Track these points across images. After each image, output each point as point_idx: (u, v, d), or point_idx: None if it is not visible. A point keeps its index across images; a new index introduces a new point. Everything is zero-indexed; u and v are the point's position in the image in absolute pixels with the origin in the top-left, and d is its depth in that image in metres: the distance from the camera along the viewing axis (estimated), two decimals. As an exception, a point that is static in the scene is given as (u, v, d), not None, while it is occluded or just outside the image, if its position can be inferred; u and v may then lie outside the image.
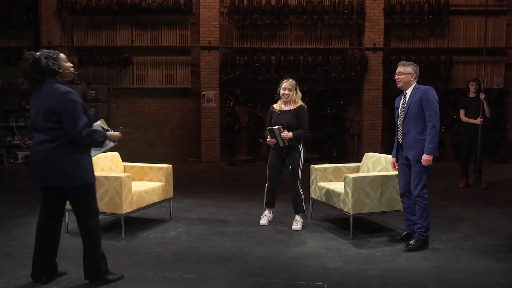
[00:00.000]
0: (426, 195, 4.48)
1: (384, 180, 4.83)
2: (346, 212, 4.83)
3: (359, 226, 5.14)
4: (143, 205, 5.08)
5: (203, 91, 10.71)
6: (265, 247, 4.57)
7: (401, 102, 4.64)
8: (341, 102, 10.94)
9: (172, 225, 5.38)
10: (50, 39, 10.64)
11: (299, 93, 5.37)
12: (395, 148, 4.73)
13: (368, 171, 5.41)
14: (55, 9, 10.60)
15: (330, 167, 5.69)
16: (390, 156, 5.24)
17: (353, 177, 4.72)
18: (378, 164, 5.34)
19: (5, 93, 10.98)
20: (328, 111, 10.88)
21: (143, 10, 10.60)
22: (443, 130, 10.97)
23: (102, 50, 10.81)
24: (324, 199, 5.31)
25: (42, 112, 3.39)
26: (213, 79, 10.66)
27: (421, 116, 4.43)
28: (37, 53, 3.44)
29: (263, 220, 5.42)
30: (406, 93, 4.59)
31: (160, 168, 5.57)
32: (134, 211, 4.95)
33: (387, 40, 10.89)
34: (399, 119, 4.63)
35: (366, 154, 5.76)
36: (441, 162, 10.91)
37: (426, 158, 4.37)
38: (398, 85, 4.63)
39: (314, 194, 5.57)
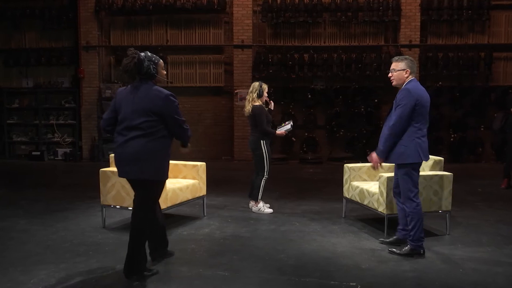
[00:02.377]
0: (415, 203, 4.16)
1: (421, 180, 4.69)
2: (381, 212, 4.75)
3: (393, 226, 5.04)
4: (177, 202, 5.16)
5: (236, 90, 10.76)
6: (298, 246, 4.55)
7: None
8: (376, 100, 10.76)
9: (205, 222, 5.44)
10: (88, 39, 10.95)
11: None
12: None
13: (404, 170, 5.29)
14: (93, 10, 10.89)
15: (364, 166, 5.60)
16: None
17: (388, 177, 4.64)
18: (414, 163, 5.22)
19: (46, 92, 11.39)
20: (362, 109, 10.72)
21: (178, 10, 10.76)
22: (482, 129, 10.64)
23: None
24: (357, 199, 5.24)
25: (139, 110, 3.54)
26: (246, 77, 10.70)
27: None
28: (142, 54, 3.67)
29: (271, 209, 5.90)
30: None
31: (194, 166, 5.64)
32: (168, 208, 5.02)
33: (424, 36, 10.62)
34: None
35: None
36: (480, 162, 10.59)
37: (374, 159, 4.22)
38: (393, 84, 4.27)
39: (347, 193, 5.51)
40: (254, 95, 5.78)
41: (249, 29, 10.68)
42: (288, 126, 5.93)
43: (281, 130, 5.92)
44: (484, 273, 3.85)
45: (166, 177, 3.74)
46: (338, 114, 10.87)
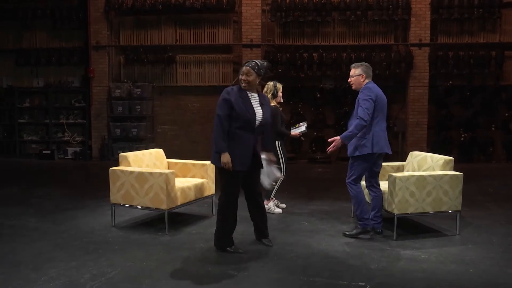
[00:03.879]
0: (356, 186, 4.67)
1: (430, 180, 4.69)
2: (390, 212, 4.72)
3: (403, 226, 5.02)
4: (186, 201, 5.17)
5: (245, 89, 10.74)
6: (307, 245, 4.54)
7: None
8: (385, 100, 10.69)
9: (214, 221, 5.34)
10: (98, 39, 11.01)
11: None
12: None
13: (413, 170, 5.26)
14: (103, 10, 10.94)
15: (373, 165, 5.56)
16: (437, 155, 5.13)
17: (397, 176, 4.62)
18: (423, 163, 5.19)
19: (56, 91, 11.47)
20: (372, 108, 10.65)
21: (187, 9, 10.77)
22: (493, 129, 10.53)
23: (147, 49, 11.09)
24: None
25: None
26: (255, 77, 10.67)
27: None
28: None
29: (280, 208, 5.91)
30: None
31: (203, 165, 5.66)
32: (177, 207, 5.04)
33: (434, 35, 10.53)
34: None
35: (411, 153, 5.61)
36: (491, 162, 10.48)
37: (336, 139, 4.54)
38: (352, 88, 4.79)
39: (356, 193, 5.47)
40: (269, 96, 5.70)
41: (258, 28, 10.67)
42: (302, 127, 5.93)
43: (295, 131, 5.91)
44: (495, 274, 3.81)
45: (235, 166, 4.11)
46: (347, 113, 10.80)
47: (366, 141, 4.57)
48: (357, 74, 4.71)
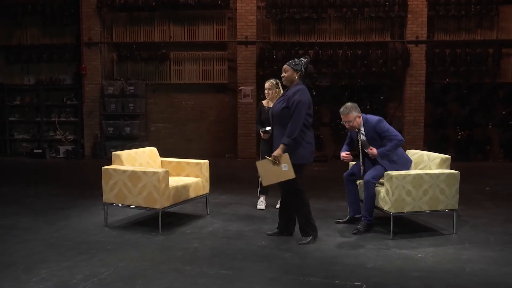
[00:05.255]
0: (375, 185, 4.84)
1: (427, 178, 4.64)
2: (387, 211, 4.67)
3: (399, 225, 4.98)
4: (180, 200, 5.10)
5: (240, 87, 10.69)
6: (303, 244, 4.47)
7: (357, 136, 5.04)
8: (382, 98, 10.66)
9: (208, 220, 5.38)
10: (90, 36, 10.90)
11: (281, 90, 5.65)
12: (347, 145, 5.20)
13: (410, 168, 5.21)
14: (95, 6, 10.83)
15: (369, 164, 5.51)
16: (433, 153, 5.09)
17: (394, 175, 4.57)
18: (420, 161, 5.14)
19: (47, 89, 11.35)
20: (368, 106, 10.59)
21: (181, 6, 10.68)
22: (490, 127, 10.52)
23: (140, 46, 10.99)
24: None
25: None
26: (250, 74, 10.62)
27: (379, 138, 4.91)
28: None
29: (262, 205, 5.90)
30: (359, 129, 4.99)
31: (197, 164, 5.58)
32: (171, 206, 4.97)
33: (431, 32, 10.49)
34: (360, 148, 5.05)
35: (407, 151, 5.54)
36: (488, 160, 10.47)
37: (374, 152, 4.85)
38: (354, 129, 5.01)
39: (353, 191, 5.42)
40: (278, 93, 5.65)
41: (253, 25, 10.59)
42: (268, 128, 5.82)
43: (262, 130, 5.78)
44: (492, 273, 3.77)
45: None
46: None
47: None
48: (355, 116, 4.91)
